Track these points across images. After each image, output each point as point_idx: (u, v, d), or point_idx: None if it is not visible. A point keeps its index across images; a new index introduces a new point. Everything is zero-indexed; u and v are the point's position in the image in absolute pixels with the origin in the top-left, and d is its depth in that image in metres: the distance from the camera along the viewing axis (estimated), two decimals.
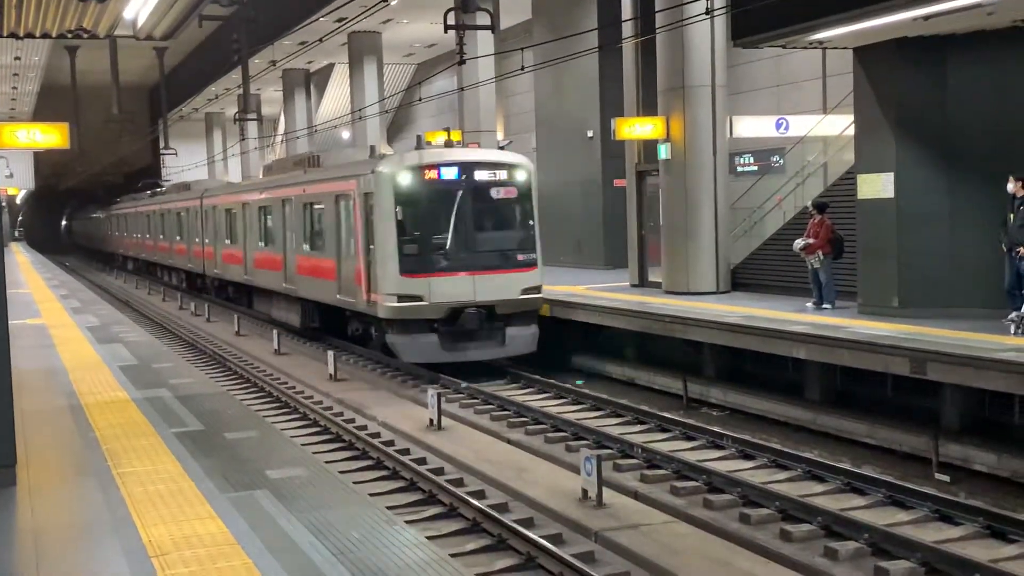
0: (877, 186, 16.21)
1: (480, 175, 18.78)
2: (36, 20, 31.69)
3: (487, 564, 9.24)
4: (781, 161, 23.97)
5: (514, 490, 11.56)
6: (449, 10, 21.20)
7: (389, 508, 9.54)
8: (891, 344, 13.25)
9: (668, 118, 20.92)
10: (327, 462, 12.21)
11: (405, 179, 18.51)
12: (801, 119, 22.56)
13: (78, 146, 38.23)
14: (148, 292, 41.73)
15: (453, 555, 7.68)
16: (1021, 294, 14.06)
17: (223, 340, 25.28)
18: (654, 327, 17.59)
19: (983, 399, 12.83)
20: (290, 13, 34.35)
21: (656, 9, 20.58)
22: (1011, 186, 14.27)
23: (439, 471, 12.41)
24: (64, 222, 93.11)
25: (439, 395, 15.04)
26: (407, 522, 8.45)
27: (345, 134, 42.07)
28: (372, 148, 22.79)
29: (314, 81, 47.75)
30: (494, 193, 18.92)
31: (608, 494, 10.97)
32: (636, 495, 11.37)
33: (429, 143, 21.60)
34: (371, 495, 10.41)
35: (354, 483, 11.25)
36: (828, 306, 17.18)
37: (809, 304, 17.47)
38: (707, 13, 15.54)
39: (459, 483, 11.84)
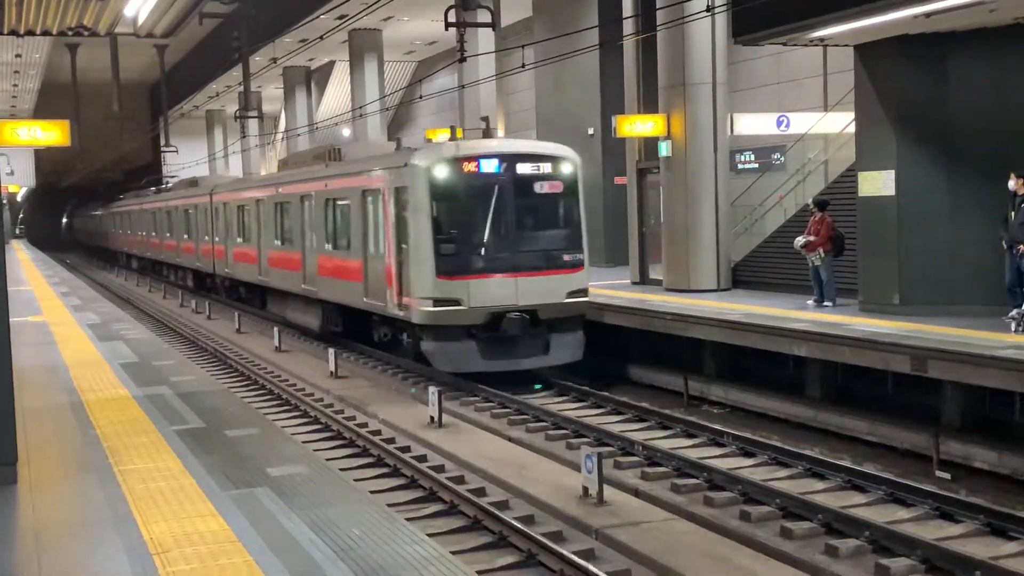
0: (878, 183, 16.20)
1: (522, 168, 17.31)
2: (37, 18, 31.71)
3: (488, 561, 9.24)
4: (782, 159, 23.94)
5: (515, 487, 11.56)
6: (450, 7, 21.18)
7: (390, 505, 9.55)
8: (892, 341, 13.25)
9: (669, 115, 20.92)
10: (328, 459, 12.22)
11: (441, 172, 17.01)
12: (802, 116, 22.55)
13: (79, 143, 38.23)
14: (149, 290, 41.72)
15: (454, 552, 7.68)
16: (1022, 291, 14.06)
17: (224, 337, 25.28)
18: (655, 324, 17.59)
19: (984, 397, 12.83)
20: (291, 10, 34.37)
21: (657, 6, 20.57)
22: (1012, 183, 14.26)
23: (440, 468, 12.41)
24: (65, 219, 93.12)
25: (439, 392, 15.04)
26: (408, 519, 8.45)
27: (346, 132, 42.06)
28: (399, 140, 21.60)
29: (315, 78, 47.75)
30: (538, 187, 17.46)
31: (609, 491, 10.97)
32: (637, 492, 11.37)
33: (457, 137, 19.51)
34: (372, 492, 10.41)
35: (355, 480, 11.27)
36: (829, 303, 17.18)
37: (810, 301, 17.46)
38: (708, 10, 15.53)
39: (460, 480, 11.84)
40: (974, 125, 15.53)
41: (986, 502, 10.40)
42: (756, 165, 24.92)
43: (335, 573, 6.46)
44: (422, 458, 12.94)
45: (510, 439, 14.07)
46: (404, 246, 17.46)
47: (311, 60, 44.12)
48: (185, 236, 37.96)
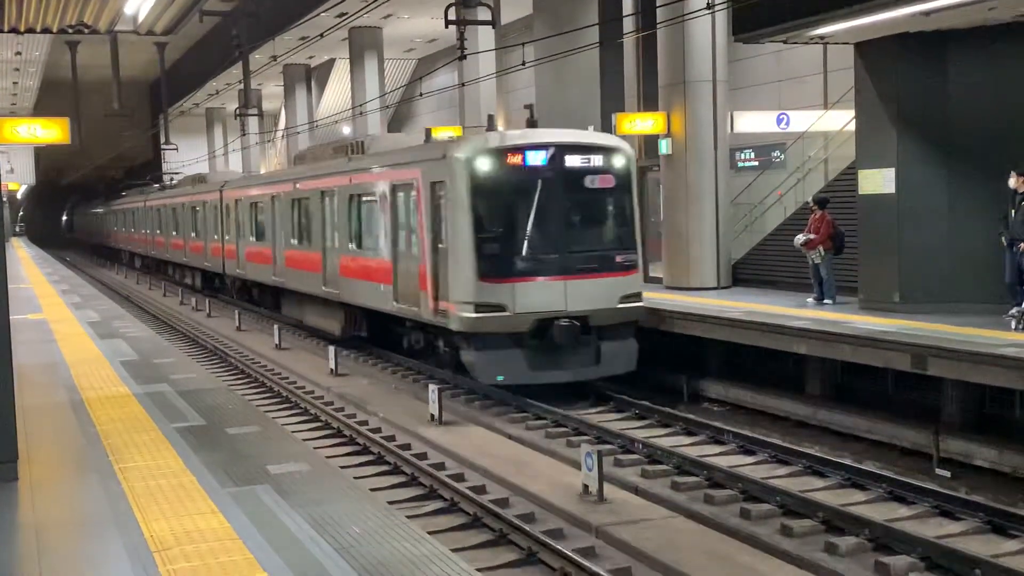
0: (878, 181, 16.21)
1: (572, 160, 15.87)
2: (37, 15, 31.73)
3: (488, 559, 9.25)
4: (782, 156, 23.95)
5: (515, 485, 11.56)
6: (450, 5, 21.18)
7: (390, 503, 9.57)
8: (892, 339, 13.26)
9: (669, 113, 20.92)
10: (328, 457, 12.24)
11: (484, 165, 15.57)
12: (802, 114, 22.56)
13: (79, 141, 38.22)
14: (149, 287, 41.72)
15: (454, 550, 7.68)
16: (1022, 289, 14.06)
17: (224, 335, 25.28)
18: (653, 321, 17.59)
19: (984, 394, 12.83)
20: (291, 8, 34.34)
21: (657, 4, 20.56)
22: (1012, 181, 14.25)
23: (440, 466, 12.41)
24: (65, 217, 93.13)
25: (439, 390, 15.04)
26: (408, 517, 8.46)
27: (346, 129, 42.04)
28: (428, 131, 20.21)
29: (315, 76, 47.74)
30: (588, 182, 15.96)
31: (609, 489, 10.97)
32: (637, 490, 11.38)
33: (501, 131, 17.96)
34: (372, 490, 10.43)
35: (355, 478, 11.29)
36: (829, 301, 17.18)
37: (810, 299, 17.47)
38: (708, 8, 15.53)
39: (460, 478, 11.84)
40: (974, 123, 15.53)
41: (986, 500, 10.41)
42: (756, 163, 24.94)
43: (335, 571, 6.46)
44: (422, 456, 12.94)
45: (510, 437, 14.08)
46: (441, 246, 16.15)
47: (311, 58, 44.11)
48: (193, 234, 36.47)
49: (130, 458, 9.39)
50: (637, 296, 16.21)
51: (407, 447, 13.43)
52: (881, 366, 13.50)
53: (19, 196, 79.19)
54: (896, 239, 16.04)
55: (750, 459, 12.57)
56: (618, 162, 16.22)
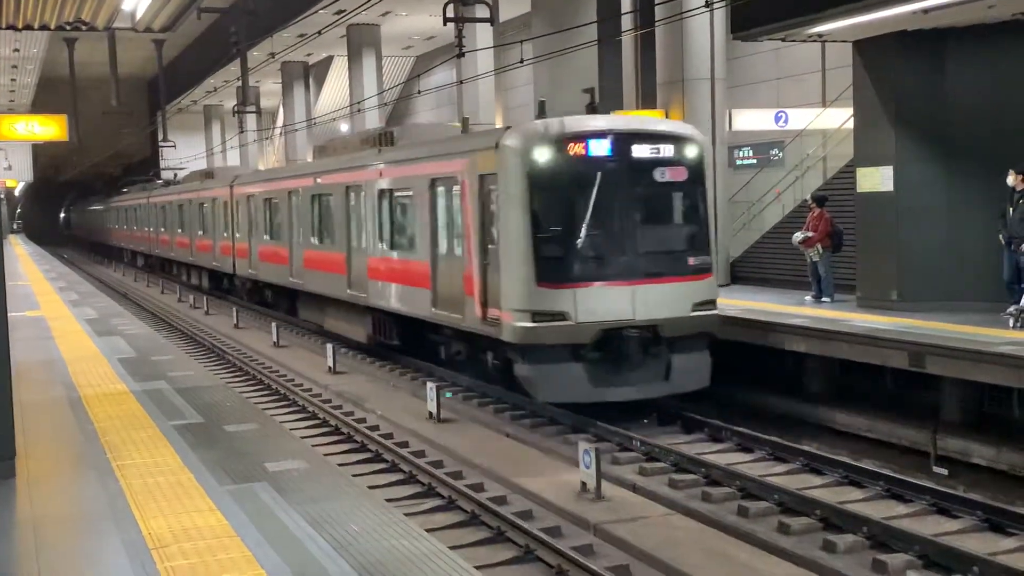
0: (876, 179, 16.21)
1: (640, 150, 14.24)
2: (35, 12, 31.66)
3: (486, 556, 9.25)
4: (780, 154, 23.96)
5: (513, 483, 11.56)
6: (448, 2, 21.17)
7: (388, 501, 9.56)
8: (890, 337, 13.26)
9: (667, 111, 20.91)
10: (326, 455, 12.24)
11: (543, 155, 13.91)
12: (800, 112, 22.57)
13: (77, 138, 38.26)
14: (147, 285, 41.71)
15: (452, 547, 7.68)
16: (1020, 287, 14.07)
17: (222, 333, 25.27)
18: None
19: (982, 392, 12.84)
20: (289, 5, 34.34)
21: (655, 2, 20.56)
22: (1011, 179, 14.27)
23: (438, 464, 12.41)
24: (63, 214, 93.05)
25: (438, 388, 15.03)
26: (406, 514, 8.45)
27: (344, 127, 42.04)
28: (465, 120, 18.82)
29: (313, 73, 47.75)
30: (658, 175, 14.33)
31: (607, 487, 10.98)
32: (635, 488, 11.38)
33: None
34: (370, 488, 10.43)
35: (353, 476, 11.29)
36: (827, 299, 17.19)
37: (808, 297, 17.48)
38: (707, 6, 15.52)
39: (458, 476, 11.85)
40: (973, 121, 15.54)
41: (984, 498, 10.41)
42: (754, 161, 24.96)
43: (333, 568, 6.46)
44: (420, 453, 12.94)
45: (508, 434, 14.08)
46: (492, 246, 14.55)
47: (309, 55, 44.11)
48: (200, 232, 34.71)
49: (128, 455, 9.38)
50: (711, 303, 14.53)
51: (405, 445, 13.43)
52: (879, 364, 13.50)
53: (17, 193, 79.23)
54: (894, 237, 16.05)
55: (748, 457, 12.57)
56: (690, 152, 14.56)
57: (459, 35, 21.75)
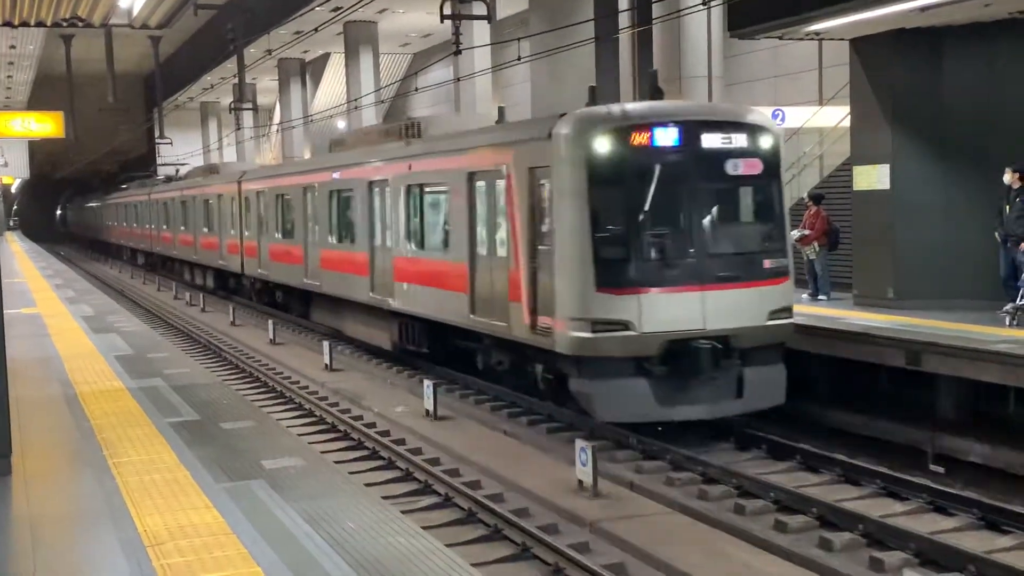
0: (873, 177, 16.22)
1: (710, 140, 12.84)
2: (31, 9, 31.65)
3: (482, 554, 9.25)
4: None
5: (509, 480, 11.56)
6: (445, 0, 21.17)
7: (385, 498, 9.56)
8: (886, 335, 13.27)
9: None
10: (323, 452, 12.23)
11: (604, 145, 12.48)
12: (797, 110, 22.57)
13: (73, 135, 38.21)
14: (143, 282, 41.67)
15: (449, 545, 7.68)
16: (1016, 285, 14.09)
17: (218, 330, 25.26)
18: None
19: (978, 390, 12.85)
20: (286, 2, 34.30)
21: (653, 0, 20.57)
22: (1007, 177, 14.28)
23: (435, 461, 12.42)
24: (59, 211, 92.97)
25: (435, 385, 15.02)
26: (402, 512, 8.45)
27: (341, 124, 42.02)
28: (501, 110, 17.35)
29: (310, 71, 47.70)
30: (731, 167, 12.91)
31: (603, 484, 10.98)
32: (631, 486, 11.37)
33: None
34: (367, 485, 10.41)
35: (349, 473, 11.28)
36: (823, 297, 17.20)
37: (804, 295, 17.48)
38: (704, 4, 15.51)
39: (455, 473, 11.85)
40: (970, 119, 15.54)
41: (980, 496, 10.42)
42: None
43: (329, 566, 6.45)
44: (417, 451, 12.94)
45: (505, 432, 14.07)
46: (543, 247, 13.18)
47: (306, 52, 44.08)
48: (205, 230, 33.21)
49: (124, 452, 9.37)
50: (788, 311, 13.17)
51: (402, 442, 13.43)
52: (876, 362, 13.50)
53: (13, 190, 79.12)
54: (891, 235, 16.05)
55: (744, 455, 12.57)
56: (765, 142, 13.14)
57: (456, 32, 21.75)
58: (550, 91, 30.69)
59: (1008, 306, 13.80)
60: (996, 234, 14.41)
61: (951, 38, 15.54)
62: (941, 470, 12.00)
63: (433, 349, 17.46)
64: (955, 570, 8.62)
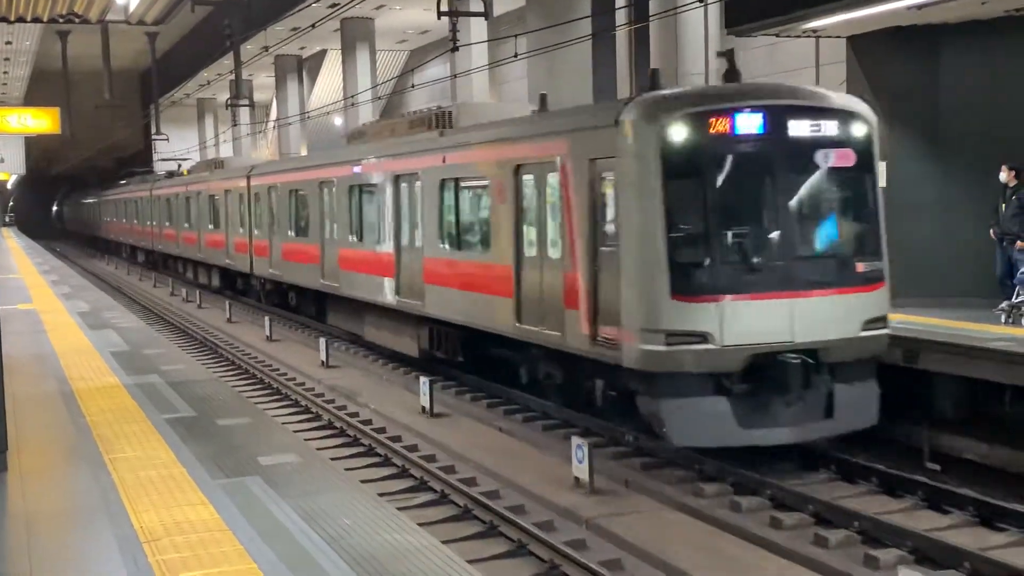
0: None
1: (798, 127, 11.43)
2: (27, 4, 31.59)
3: (478, 551, 9.26)
4: None
5: (506, 477, 11.57)
6: None
7: (381, 495, 9.56)
8: None
9: None
10: (319, 449, 12.24)
11: (679, 133, 11.12)
12: None
13: (69, 131, 38.14)
14: (139, 278, 41.63)
15: (444, 541, 7.68)
16: (1012, 283, 14.10)
17: (214, 326, 25.25)
18: None
19: (974, 389, 12.85)
20: None
21: None
22: (1003, 175, 14.29)
23: (431, 458, 12.42)
24: (55, 208, 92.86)
25: (431, 382, 15.02)
26: (398, 508, 8.46)
27: (338, 120, 41.99)
28: (543, 97, 15.65)
29: (306, 67, 47.64)
30: (821, 158, 11.49)
31: (600, 482, 10.98)
32: (627, 483, 11.38)
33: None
34: (363, 482, 10.43)
35: (346, 470, 11.29)
36: None
37: None
38: (700, 1, 15.52)
39: (451, 470, 11.85)
40: (966, 117, 15.57)
41: (976, 493, 10.43)
42: None
43: (325, 562, 6.45)
44: (413, 447, 12.95)
45: (501, 429, 14.07)
46: (606, 249, 11.81)
47: (303, 48, 44.01)
48: (211, 227, 31.89)
49: (120, 449, 9.37)
50: (883, 320, 11.84)
51: (398, 439, 13.44)
52: None
53: (9, 186, 79.03)
54: (887, 233, 16.03)
55: (740, 453, 12.55)
56: (858, 131, 11.76)
57: (453, 29, 21.73)
58: (547, 88, 30.73)
59: (1004, 304, 13.82)
60: (992, 232, 14.42)
61: (948, 36, 15.55)
62: (937, 468, 12.01)
63: (468, 358, 16.21)
64: (950, 567, 8.64)
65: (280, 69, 46.43)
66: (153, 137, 48.84)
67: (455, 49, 22.19)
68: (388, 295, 18.14)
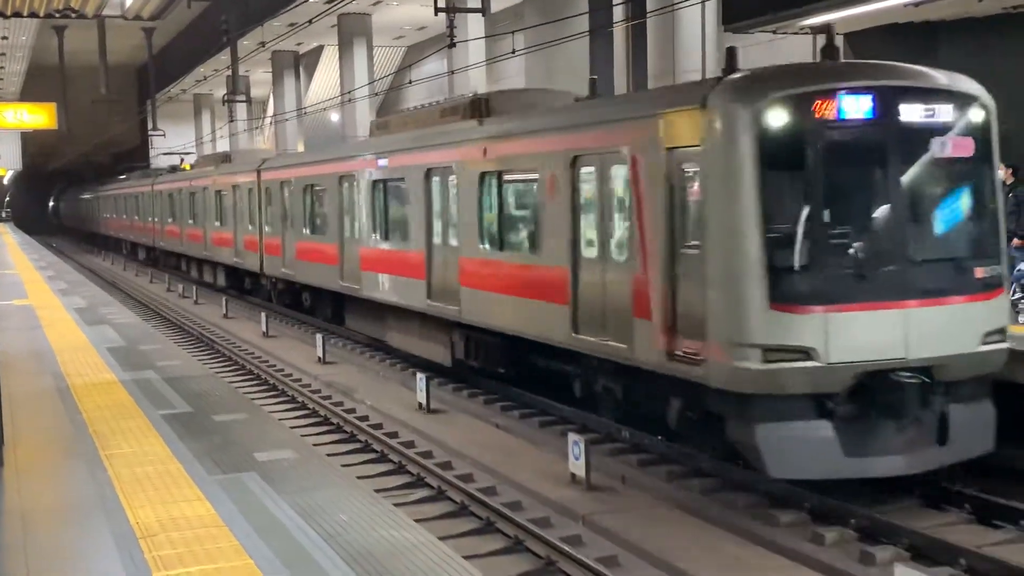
0: None
1: (910, 112, 10.05)
2: None
3: (475, 547, 9.26)
4: None
5: (502, 474, 11.57)
6: None
7: (377, 491, 9.57)
8: None
9: None
10: (315, 445, 12.24)
11: (778, 118, 9.78)
12: None
13: (66, 126, 38.11)
14: (136, 274, 41.60)
15: (441, 538, 7.68)
16: (1009, 282, 14.10)
17: (211, 322, 25.24)
18: None
19: None
20: None
21: None
22: (1000, 173, 14.27)
23: (427, 454, 12.42)
24: (52, 203, 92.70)
25: (427, 378, 15.02)
26: (395, 505, 8.45)
27: (334, 117, 41.97)
28: (593, 81, 14.54)
29: (303, 63, 47.62)
30: (937, 148, 10.06)
31: (596, 478, 10.98)
32: (624, 479, 11.38)
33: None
34: (359, 478, 10.43)
35: (342, 466, 11.31)
36: None
37: None
38: None
39: (447, 466, 11.85)
40: None
41: (972, 491, 10.43)
42: None
43: (322, 558, 6.45)
44: (410, 444, 12.94)
45: (498, 426, 14.07)
46: (688, 250, 10.34)
47: (299, 44, 43.98)
48: (217, 224, 30.54)
49: (116, 445, 9.36)
50: (1002, 333, 10.31)
51: (394, 435, 13.43)
52: None
53: (5, 182, 78.94)
54: None
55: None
56: (977, 116, 10.41)
57: (451, 25, 21.71)
58: (545, 84, 30.74)
59: None
60: None
61: (945, 32, 15.56)
62: None
63: (510, 369, 14.91)
64: (946, 565, 8.65)
65: (277, 65, 46.41)
66: (150, 133, 48.81)
67: (452, 45, 22.16)
68: (417, 298, 16.64)
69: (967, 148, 10.23)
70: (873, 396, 9.68)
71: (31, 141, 60.00)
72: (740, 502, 10.37)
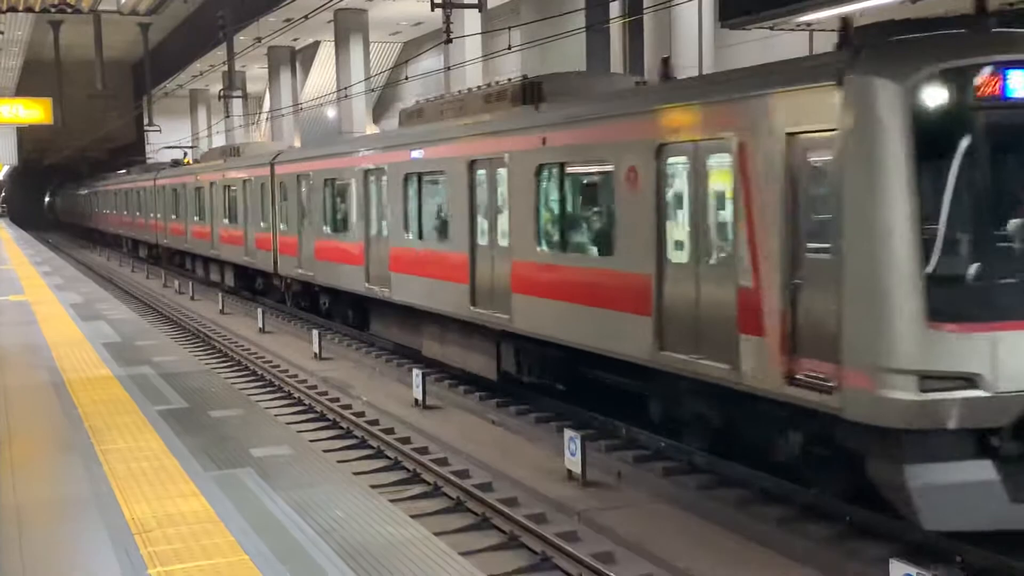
0: None
1: None
2: None
3: (471, 543, 9.26)
4: None
5: (498, 470, 11.57)
6: None
7: (373, 487, 9.56)
8: None
9: None
10: (311, 441, 12.23)
11: (934, 97, 8.21)
12: None
13: (61, 121, 38.05)
14: (132, 270, 41.56)
15: (437, 533, 7.69)
16: None
17: (207, 318, 25.21)
18: None
19: None
20: None
21: None
22: None
23: (424, 450, 12.42)
24: (48, 198, 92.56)
25: (424, 375, 15.01)
26: (391, 500, 8.45)
27: (331, 112, 41.93)
28: (665, 60, 13.36)
29: (300, 59, 47.58)
30: None
31: (592, 474, 10.99)
32: (620, 476, 11.38)
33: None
34: (355, 474, 10.43)
35: (338, 462, 11.28)
36: None
37: None
38: None
39: (443, 462, 11.85)
40: None
41: None
42: None
43: (317, 554, 6.45)
44: (406, 440, 12.94)
45: (494, 422, 14.06)
46: (815, 254, 8.82)
47: (296, 40, 43.94)
48: (226, 221, 28.93)
49: (112, 440, 9.35)
50: None
51: (391, 431, 13.43)
52: None
53: (0, 177, 78.84)
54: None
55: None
56: None
57: (447, 21, 21.68)
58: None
59: None
60: None
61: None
62: None
63: (568, 384, 13.63)
64: (942, 561, 8.65)
65: (273, 60, 46.40)
66: (146, 128, 48.73)
67: (449, 41, 22.14)
68: (459, 304, 15.03)
69: None
70: None
71: (27, 136, 59.93)
72: (735, 498, 10.38)
